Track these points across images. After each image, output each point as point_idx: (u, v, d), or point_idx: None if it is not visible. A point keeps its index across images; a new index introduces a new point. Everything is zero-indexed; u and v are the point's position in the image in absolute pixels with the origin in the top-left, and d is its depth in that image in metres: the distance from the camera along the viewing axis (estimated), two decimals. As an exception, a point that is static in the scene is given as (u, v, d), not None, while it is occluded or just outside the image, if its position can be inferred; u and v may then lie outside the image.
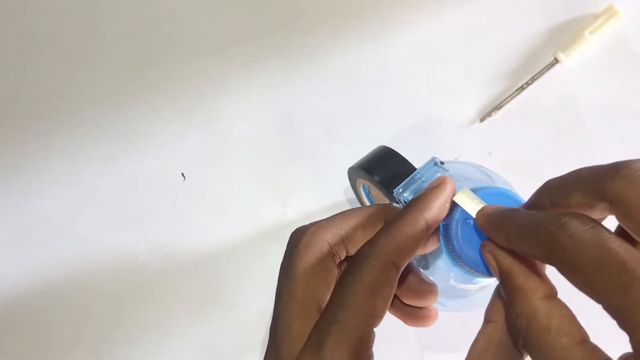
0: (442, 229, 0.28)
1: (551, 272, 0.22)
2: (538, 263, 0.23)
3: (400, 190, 0.30)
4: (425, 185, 0.29)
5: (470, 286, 0.33)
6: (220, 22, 0.54)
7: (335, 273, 0.27)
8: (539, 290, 0.22)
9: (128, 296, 0.50)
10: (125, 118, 0.53)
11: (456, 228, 0.27)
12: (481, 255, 0.25)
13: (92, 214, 0.52)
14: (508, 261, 0.23)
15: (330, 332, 0.23)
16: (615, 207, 0.20)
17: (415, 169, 0.31)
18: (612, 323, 0.19)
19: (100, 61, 0.54)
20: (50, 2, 0.55)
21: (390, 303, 0.25)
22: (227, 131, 0.52)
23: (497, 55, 0.51)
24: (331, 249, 0.27)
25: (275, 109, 0.52)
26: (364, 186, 0.43)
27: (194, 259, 0.50)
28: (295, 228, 0.29)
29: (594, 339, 0.20)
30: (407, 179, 0.30)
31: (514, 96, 0.49)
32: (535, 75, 0.49)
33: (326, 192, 0.50)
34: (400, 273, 0.25)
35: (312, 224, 0.28)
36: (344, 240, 0.28)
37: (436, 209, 0.27)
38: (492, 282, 0.30)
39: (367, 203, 0.45)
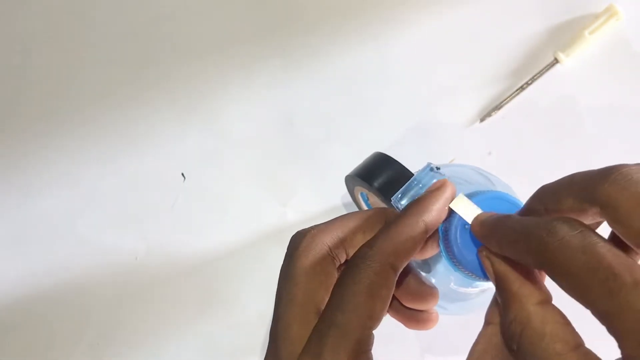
0: (441, 234, 0.28)
1: (548, 279, 0.22)
2: (534, 269, 0.23)
3: (399, 197, 0.30)
4: (423, 191, 0.29)
5: (470, 290, 0.33)
6: (220, 22, 0.54)
7: (335, 276, 0.27)
8: (533, 296, 0.22)
9: (128, 296, 0.50)
10: (125, 118, 0.53)
11: (455, 233, 0.27)
12: (479, 260, 0.25)
13: (92, 214, 0.52)
14: (503, 267, 0.23)
15: (329, 335, 0.24)
16: (606, 212, 0.20)
17: (413, 175, 0.31)
18: (607, 328, 0.18)
19: (100, 61, 0.54)
20: (50, 2, 0.55)
21: (388, 305, 0.25)
22: (227, 131, 0.52)
23: (497, 55, 0.51)
24: (331, 252, 0.27)
25: (275, 109, 0.52)
26: (362, 193, 0.43)
27: (193, 260, 0.50)
28: (295, 229, 0.29)
29: (591, 344, 0.20)
30: (404, 186, 0.30)
31: (514, 96, 0.49)
32: (535, 75, 0.49)
33: (326, 192, 0.50)
34: (398, 275, 0.25)
35: (312, 228, 0.28)
36: (343, 244, 0.28)
37: (435, 211, 0.27)
38: (492, 286, 0.30)
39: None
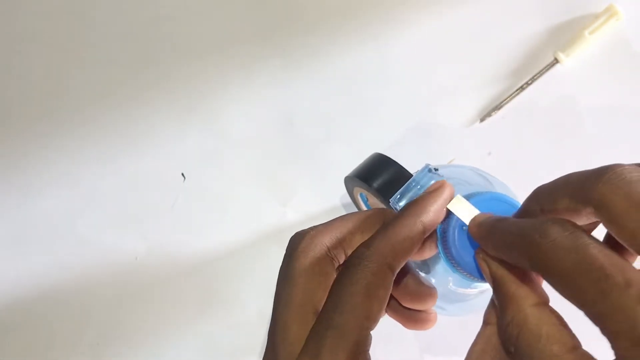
0: (439, 235, 0.28)
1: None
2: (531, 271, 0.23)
3: (398, 198, 0.30)
4: (421, 192, 0.29)
5: (469, 290, 0.33)
6: (220, 22, 0.54)
7: (334, 276, 0.27)
8: (530, 298, 0.22)
9: (128, 296, 0.50)
10: (125, 118, 0.53)
11: (453, 234, 0.27)
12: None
13: (92, 214, 0.52)
14: (500, 270, 0.23)
15: (327, 336, 0.23)
16: (600, 212, 0.19)
17: (412, 176, 0.31)
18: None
19: (101, 61, 0.54)
20: (50, 2, 0.55)
21: (385, 305, 0.25)
22: (227, 131, 0.52)
23: (497, 55, 0.51)
24: (330, 253, 0.27)
25: (275, 109, 0.52)
26: (361, 194, 0.43)
27: (193, 260, 0.50)
28: (295, 229, 0.29)
29: (587, 346, 0.20)
30: (402, 188, 0.30)
31: (514, 96, 0.49)
32: (535, 75, 0.49)
33: (326, 192, 0.50)
34: (395, 275, 0.25)
35: (311, 229, 0.28)
36: (342, 244, 0.28)
37: (433, 212, 0.27)
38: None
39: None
